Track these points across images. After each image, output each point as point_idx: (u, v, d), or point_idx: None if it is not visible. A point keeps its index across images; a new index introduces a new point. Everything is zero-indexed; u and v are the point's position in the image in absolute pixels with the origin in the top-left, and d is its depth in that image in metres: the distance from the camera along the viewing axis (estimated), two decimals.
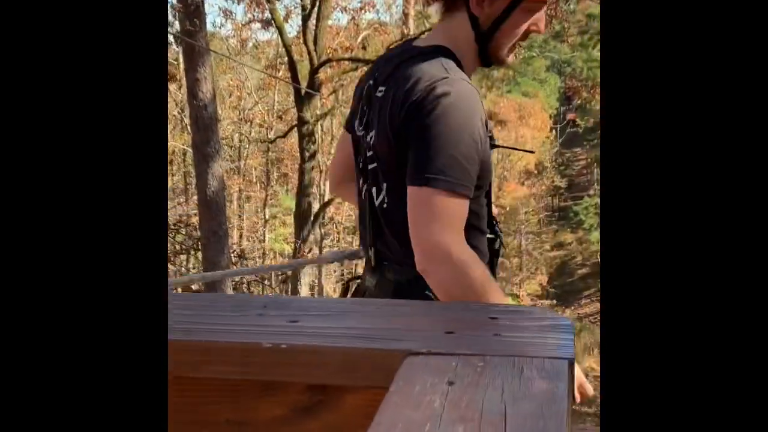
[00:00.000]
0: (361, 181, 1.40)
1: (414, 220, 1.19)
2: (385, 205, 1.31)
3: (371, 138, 1.32)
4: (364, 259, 1.45)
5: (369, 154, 1.33)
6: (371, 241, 1.37)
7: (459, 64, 1.29)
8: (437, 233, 1.15)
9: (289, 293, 12.91)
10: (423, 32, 11.54)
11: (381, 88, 1.32)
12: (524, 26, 1.31)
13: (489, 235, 1.36)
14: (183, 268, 11.53)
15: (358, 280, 1.48)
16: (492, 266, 1.37)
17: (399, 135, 1.24)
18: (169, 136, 17.53)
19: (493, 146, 1.33)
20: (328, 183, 1.75)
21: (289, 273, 11.88)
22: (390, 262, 1.32)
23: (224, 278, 6.83)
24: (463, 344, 0.65)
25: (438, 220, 1.16)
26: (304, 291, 11.81)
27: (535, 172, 27.32)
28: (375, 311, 0.75)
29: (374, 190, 1.33)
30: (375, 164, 1.32)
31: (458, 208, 1.18)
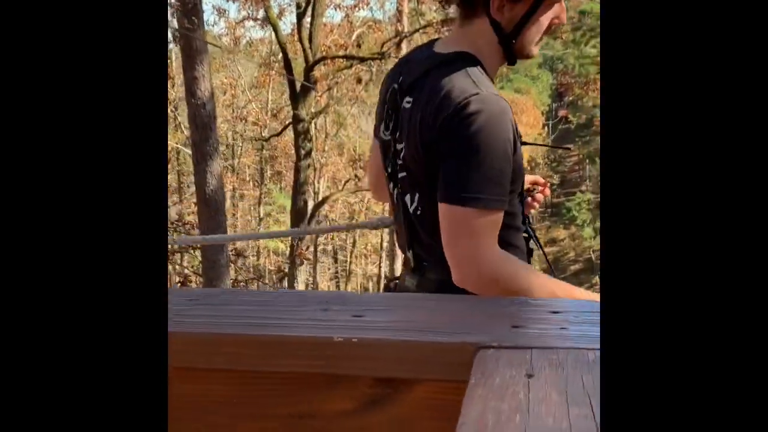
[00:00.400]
0: (391, 186, 1.40)
1: (448, 238, 1.20)
2: (419, 212, 1.31)
3: (401, 149, 1.32)
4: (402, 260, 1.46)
5: (399, 162, 1.33)
6: (408, 243, 1.38)
7: (482, 68, 1.29)
8: (472, 250, 1.18)
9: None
10: (429, 21, 11.54)
11: (408, 99, 1.31)
12: (547, 21, 1.32)
13: (523, 234, 1.37)
14: (177, 266, 11.50)
15: (396, 281, 1.48)
16: (528, 263, 1.37)
17: (430, 150, 1.24)
18: None
19: (522, 144, 1.34)
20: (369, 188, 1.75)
21: (287, 270, 11.85)
22: (430, 263, 1.33)
23: (226, 261, 6.85)
24: (532, 338, 0.66)
25: (473, 237, 1.18)
26: (300, 288, 11.81)
27: (528, 168, 27.39)
28: (437, 306, 0.76)
29: (407, 197, 1.34)
30: (405, 173, 1.33)
31: (492, 223, 1.19)
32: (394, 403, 0.69)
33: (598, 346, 0.63)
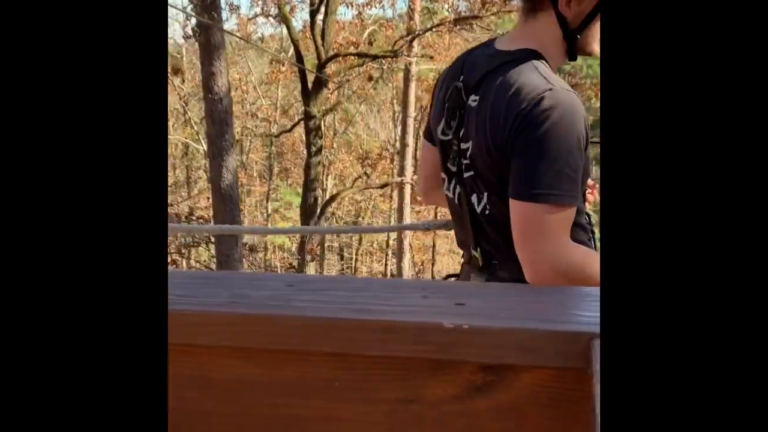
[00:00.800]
0: (453, 184, 1.38)
1: (520, 236, 1.20)
2: (487, 211, 1.30)
3: (467, 148, 1.31)
4: (465, 259, 1.45)
5: (465, 162, 1.32)
6: (474, 242, 1.37)
7: (547, 64, 1.28)
8: (545, 247, 1.17)
9: None
10: (441, 20, 11.52)
11: (474, 97, 1.29)
12: None
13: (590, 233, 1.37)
14: (193, 261, 11.53)
15: (454, 277, 1.48)
16: None
17: (502, 148, 1.23)
18: (173, 129, 17.50)
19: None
20: (419, 192, 1.74)
21: (295, 264, 11.85)
22: (499, 261, 1.33)
23: (240, 256, 6.90)
24: None
25: (545, 234, 1.17)
26: None
27: None
28: (535, 295, 0.77)
29: (474, 197, 1.33)
30: (472, 173, 1.31)
31: (566, 218, 1.19)
32: (500, 389, 0.69)
33: None
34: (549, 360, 0.67)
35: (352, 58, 12.27)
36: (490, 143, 1.25)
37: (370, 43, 13.52)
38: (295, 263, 13.09)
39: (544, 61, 1.27)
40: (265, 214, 19.24)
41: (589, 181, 1.59)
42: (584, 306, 0.72)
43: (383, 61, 12.43)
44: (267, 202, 19.22)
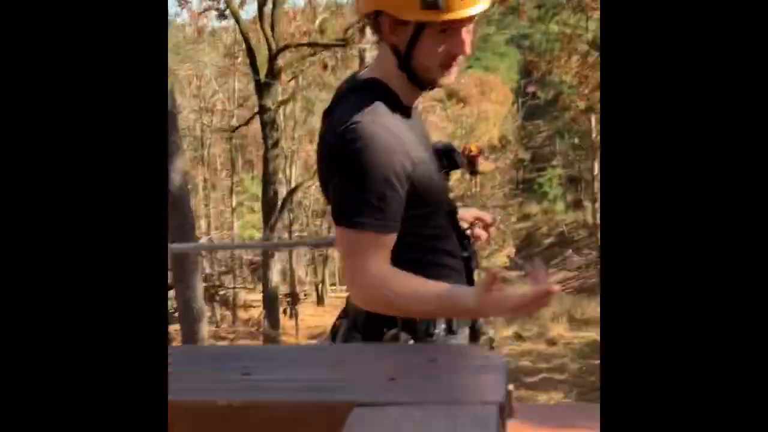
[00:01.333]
0: None
1: (339, 258, 1.30)
2: None
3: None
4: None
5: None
6: None
7: (391, 94, 1.30)
8: (353, 271, 1.24)
9: (261, 280, 12.98)
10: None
11: (325, 124, 1.37)
12: (441, 49, 1.27)
13: (464, 254, 1.40)
14: None
15: None
16: (470, 283, 1.40)
17: (325, 178, 1.33)
18: None
19: (451, 167, 1.41)
20: None
21: (260, 261, 11.84)
22: None
23: (196, 256, 6.92)
24: (403, 392, 0.70)
25: (355, 257, 1.24)
26: (275, 278, 11.83)
27: (499, 146, 27.47)
28: (323, 358, 0.80)
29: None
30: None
31: (376, 244, 1.22)
32: None
33: (462, 400, 0.68)
34: (319, 429, 0.71)
35: (305, 48, 12.20)
36: (320, 170, 1.35)
37: (322, 32, 13.44)
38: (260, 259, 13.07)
39: (387, 92, 1.30)
40: (231, 209, 19.14)
41: (486, 217, 1.57)
42: (358, 369, 0.76)
43: (336, 50, 12.36)
44: (231, 195, 19.11)
